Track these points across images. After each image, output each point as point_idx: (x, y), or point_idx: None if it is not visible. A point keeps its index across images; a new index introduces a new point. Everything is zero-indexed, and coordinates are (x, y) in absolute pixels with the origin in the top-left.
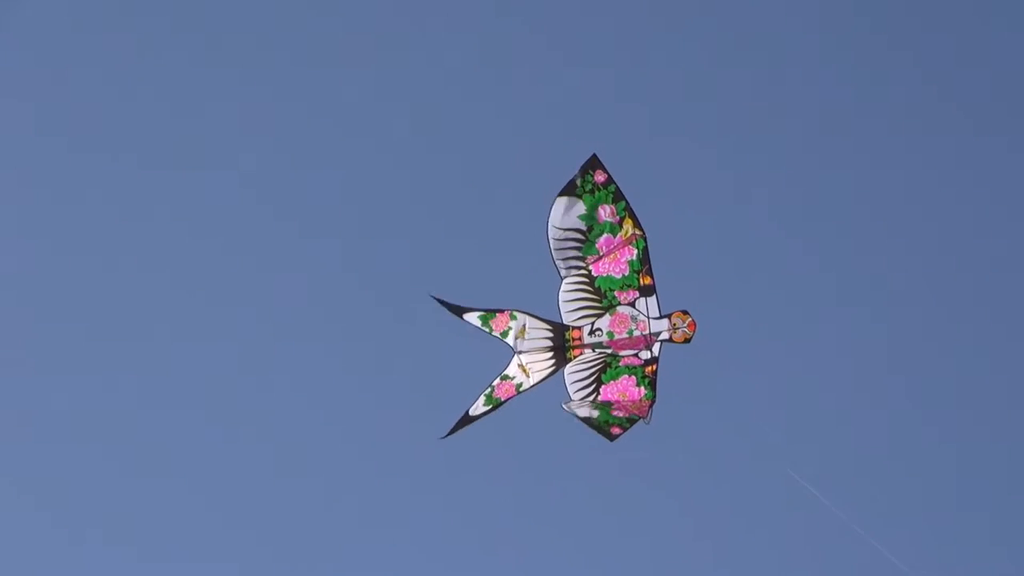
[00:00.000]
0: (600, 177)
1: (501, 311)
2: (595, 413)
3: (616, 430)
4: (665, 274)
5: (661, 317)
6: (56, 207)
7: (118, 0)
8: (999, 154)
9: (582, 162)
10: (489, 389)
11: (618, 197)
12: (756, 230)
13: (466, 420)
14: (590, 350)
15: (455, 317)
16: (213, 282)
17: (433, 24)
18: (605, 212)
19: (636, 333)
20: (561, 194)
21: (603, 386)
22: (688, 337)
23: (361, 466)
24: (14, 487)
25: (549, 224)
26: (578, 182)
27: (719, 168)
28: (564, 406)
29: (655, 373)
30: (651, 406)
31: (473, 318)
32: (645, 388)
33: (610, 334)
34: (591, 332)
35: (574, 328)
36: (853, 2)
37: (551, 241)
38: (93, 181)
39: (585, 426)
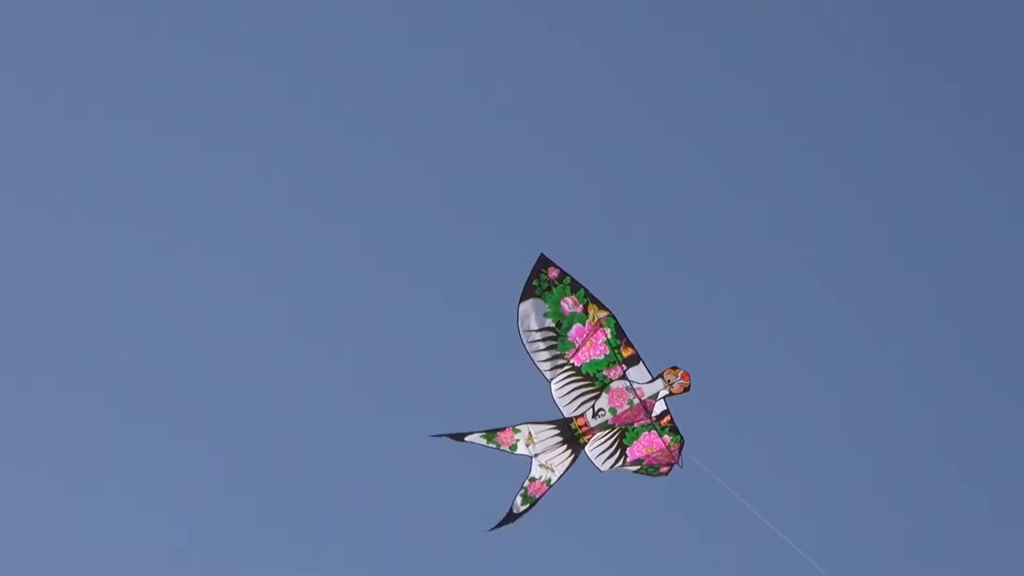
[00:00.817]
0: (553, 273)
1: (502, 428)
2: (634, 468)
3: (664, 469)
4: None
5: (654, 379)
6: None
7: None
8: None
9: (531, 264)
10: (523, 490)
11: (576, 287)
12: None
13: (511, 517)
14: (599, 431)
15: (460, 442)
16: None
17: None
18: (568, 304)
19: (636, 402)
20: (522, 300)
21: (628, 448)
22: (686, 387)
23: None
24: None
25: (520, 332)
26: (534, 284)
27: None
28: (603, 471)
29: (672, 421)
30: (680, 448)
31: (477, 438)
32: (668, 435)
33: (612, 410)
34: (595, 415)
35: (578, 417)
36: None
37: (527, 346)
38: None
39: (636, 474)
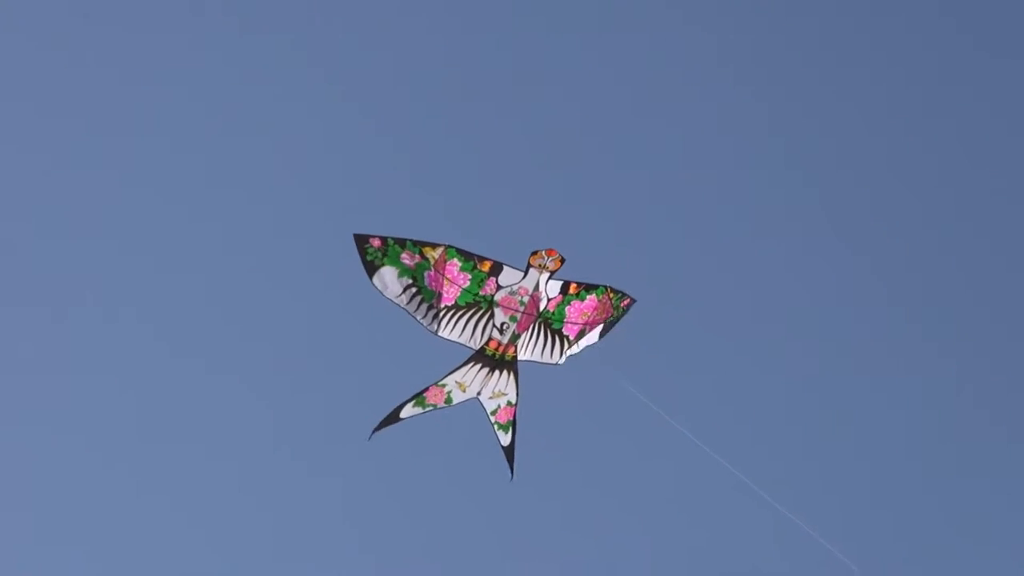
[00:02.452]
0: (376, 242)
1: (427, 388)
2: (590, 339)
3: (625, 303)
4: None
5: (526, 274)
6: None
7: None
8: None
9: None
10: (495, 425)
11: (401, 242)
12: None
13: (509, 453)
14: (515, 340)
15: (398, 422)
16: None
17: None
18: (407, 258)
19: (525, 300)
20: (371, 275)
21: (564, 329)
22: (560, 259)
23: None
24: None
25: (390, 300)
26: (368, 259)
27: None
28: (561, 362)
29: (580, 284)
30: (612, 291)
31: (410, 410)
32: (591, 295)
33: (513, 318)
34: (501, 331)
35: (488, 342)
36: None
37: (405, 309)
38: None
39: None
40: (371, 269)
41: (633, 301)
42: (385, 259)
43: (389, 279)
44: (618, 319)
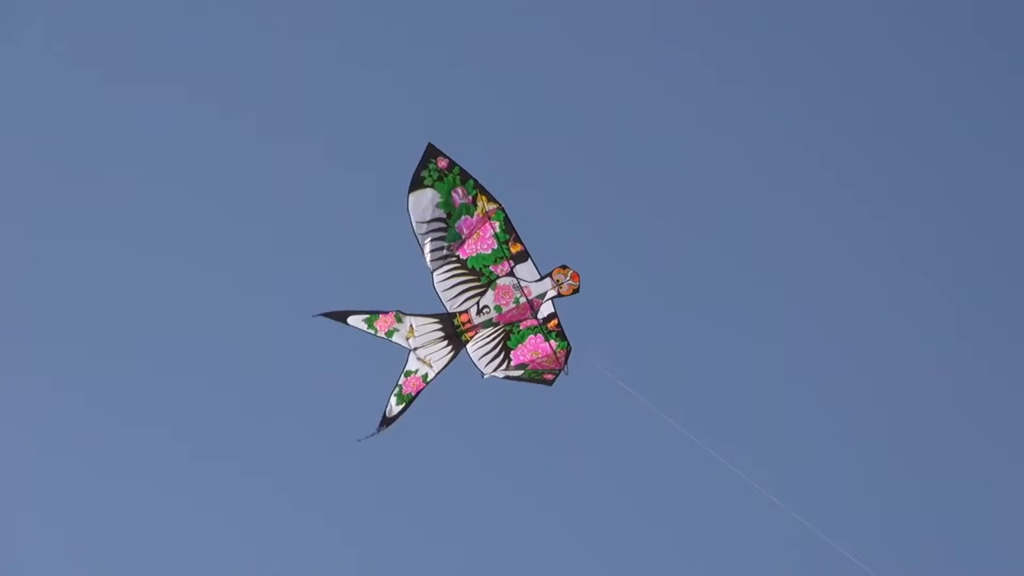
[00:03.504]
0: (443, 163)
1: (385, 312)
2: (518, 372)
3: (549, 376)
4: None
5: (542, 278)
6: None
7: None
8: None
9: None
10: (397, 388)
11: (465, 177)
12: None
13: (386, 422)
14: (483, 328)
15: (341, 324)
16: None
17: None
18: (458, 195)
19: (522, 300)
20: (412, 190)
21: (512, 352)
22: (575, 288)
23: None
24: None
25: (413, 222)
26: (423, 175)
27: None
28: (485, 376)
29: (559, 325)
30: (567, 355)
31: (358, 321)
32: (555, 341)
33: (498, 308)
34: (479, 312)
35: (461, 313)
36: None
37: (419, 237)
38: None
39: (519, 382)
40: (416, 184)
41: (559, 374)
42: (437, 183)
43: (426, 203)
44: (539, 376)
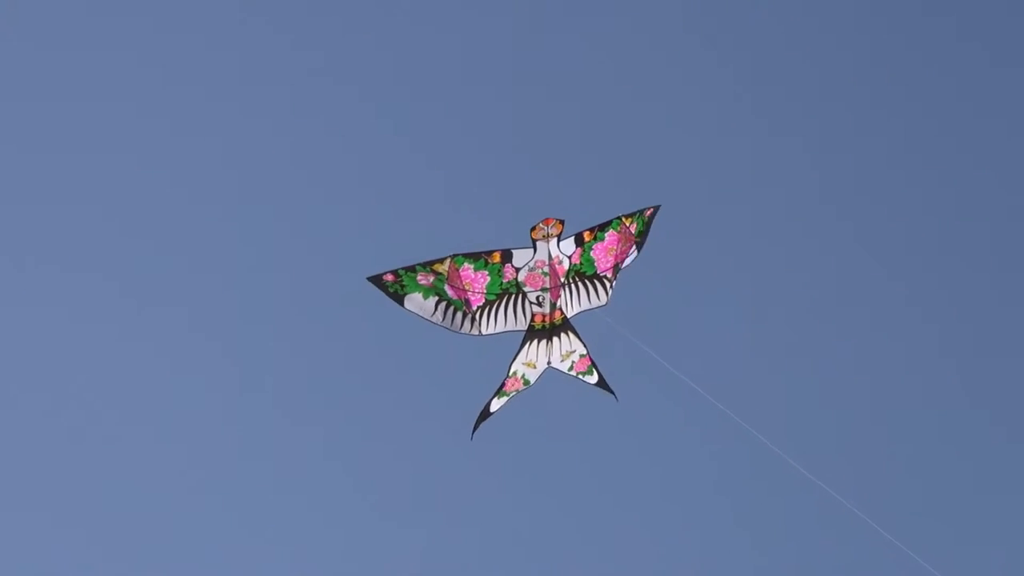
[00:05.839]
0: (389, 277)
1: (502, 384)
2: (628, 260)
3: (648, 212)
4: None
5: (535, 248)
6: None
7: None
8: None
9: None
10: (577, 374)
11: (411, 269)
12: None
13: (485, 415)
14: (550, 304)
15: (490, 413)
16: None
17: None
18: (424, 279)
19: (547, 271)
20: (402, 304)
21: (597, 273)
22: (560, 223)
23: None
24: None
25: (428, 320)
26: (391, 292)
27: None
28: (608, 297)
29: (595, 228)
30: (631, 218)
31: (498, 403)
32: (610, 230)
33: (544, 289)
34: (539, 304)
35: (534, 318)
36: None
37: (442, 327)
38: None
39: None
40: (399, 300)
41: (657, 208)
42: (405, 288)
43: (418, 304)
44: (647, 230)
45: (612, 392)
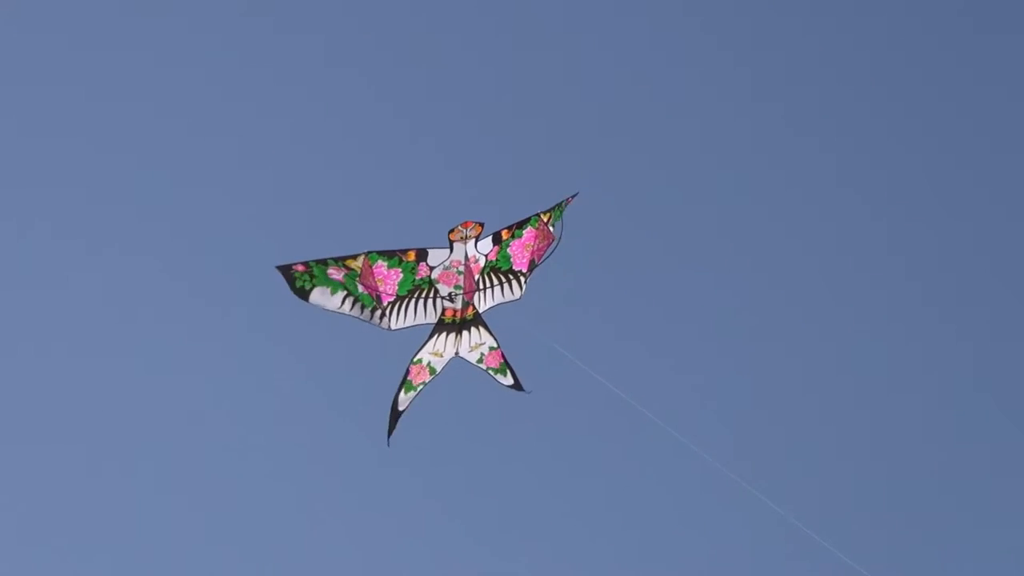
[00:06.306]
0: (300, 268)
1: (406, 372)
2: (542, 259)
3: (549, 241)
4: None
5: (451, 249)
6: None
7: None
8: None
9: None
10: (488, 371)
11: (322, 263)
12: None
13: (395, 413)
14: (463, 301)
15: (400, 412)
16: None
17: None
18: (335, 273)
19: (461, 268)
20: (306, 299)
21: (513, 269)
22: (480, 226)
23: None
24: None
25: (335, 311)
26: (298, 286)
27: None
28: (521, 291)
29: (512, 226)
30: (548, 217)
31: (404, 399)
32: (527, 227)
33: (457, 287)
34: (451, 300)
35: (444, 312)
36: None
37: (352, 318)
38: None
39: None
40: (304, 294)
41: (573, 196)
42: (314, 281)
43: (324, 298)
44: (560, 216)
45: (523, 388)
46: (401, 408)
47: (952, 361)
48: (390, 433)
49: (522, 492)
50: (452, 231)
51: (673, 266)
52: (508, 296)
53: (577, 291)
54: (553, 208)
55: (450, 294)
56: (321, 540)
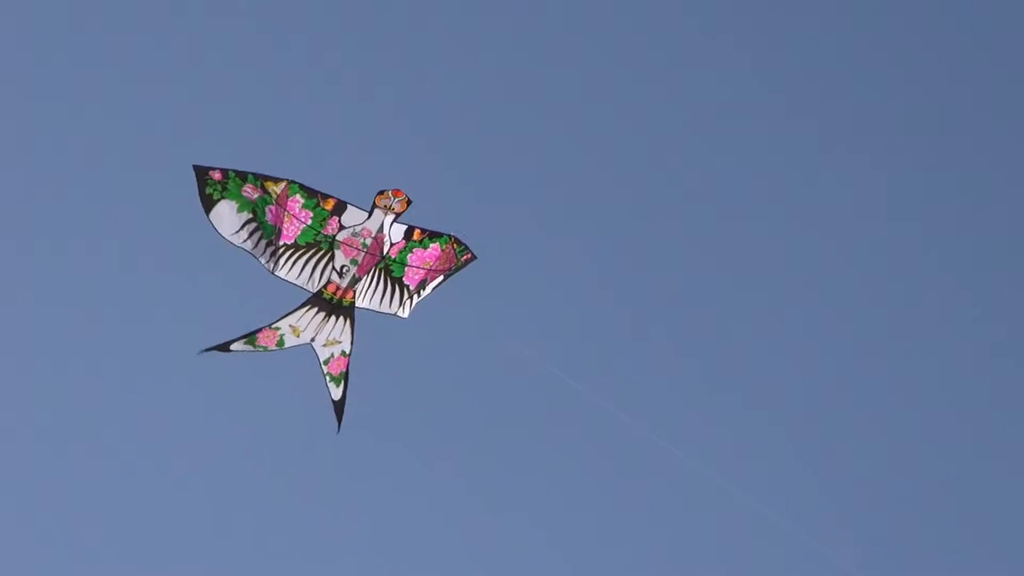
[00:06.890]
0: (217, 175)
1: (260, 329)
2: (431, 288)
3: (467, 257)
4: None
5: (370, 214)
6: None
7: None
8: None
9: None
10: (327, 376)
11: (242, 175)
12: None
13: (339, 408)
14: (354, 285)
15: (227, 353)
16: None
17: None
18: (249, 192)
19: (369, 241)
20: (208, 210)
21: (405, 278)
22: (407, 202)
23: None
24: None
25: (227, 238)
26: (208, 192)
27: None
28: (410, 311)
29: (426, 230)
30: (455, 241)
31: (241, 346)
32: (434, 243)
33: (354, 262)
34: (340, 275)
35: (327, 285)
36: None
37: (241, 247)
38: None
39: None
40: (209, 204)
41: (474, 257)
42: (225, 193)
43: (227, 214)
44: (456, 271)
45: (339, 421)
46: (231, 349)
47: (952, 361)
48: (206, 350)
49: (524, 493)
50: (381, 194)
51: (672, 266)
52: (394, 309)
53: (577, 292)
54: (463, 246)
55: (343, 267)
56: (321, 540)
